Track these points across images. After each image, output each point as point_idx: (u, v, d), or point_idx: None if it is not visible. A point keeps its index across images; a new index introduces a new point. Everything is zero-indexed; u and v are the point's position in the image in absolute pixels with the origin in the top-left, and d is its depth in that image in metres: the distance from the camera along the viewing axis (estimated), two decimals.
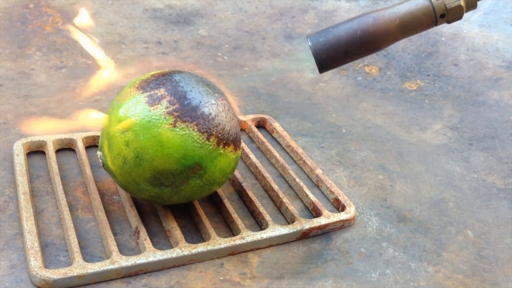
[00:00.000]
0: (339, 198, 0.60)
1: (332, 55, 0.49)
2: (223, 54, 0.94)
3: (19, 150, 0.60)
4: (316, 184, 0.64)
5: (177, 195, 0.51)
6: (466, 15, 0.51)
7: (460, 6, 0.49)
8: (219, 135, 0.50)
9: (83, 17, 0.95)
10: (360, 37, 0.49)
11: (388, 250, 0.56)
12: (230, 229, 0.56)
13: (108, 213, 0.55)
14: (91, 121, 0.70)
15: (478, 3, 0.50)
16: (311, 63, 0.95)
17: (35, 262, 0.47)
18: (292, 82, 0.89)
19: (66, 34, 0.90)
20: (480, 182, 0.69)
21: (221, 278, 0.50)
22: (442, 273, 0.54)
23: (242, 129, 0.73)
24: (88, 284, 0.48)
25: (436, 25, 0.50)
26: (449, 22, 0.50)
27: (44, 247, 0.51)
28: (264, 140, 0.69)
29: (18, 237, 0.51)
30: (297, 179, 0.62)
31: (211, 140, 0.50)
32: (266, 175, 0.62)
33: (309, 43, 0.49)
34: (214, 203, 0.59)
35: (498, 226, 0.61)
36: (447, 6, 0.49)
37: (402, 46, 0.97)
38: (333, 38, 0.49)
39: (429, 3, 0.49)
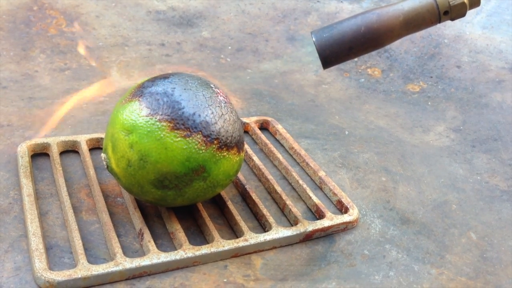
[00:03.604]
0: (342, 200, 0.60)
1: (336, 51, 0.50)
2: (226, 56, 0.94)
3: (23, 152, 0.61)
4: (319, 186, 0.64)
5: (180, 197, 0.52)
6: (469, 17, 0.51)
7: (463, 3, 0.49)
8: (223, 138, 0.51)
9: (87, 19, 0.95)
10: (364, 33, 0.49)
11: (391, 252, 0.56)
12: (234, 231, 0.56)
13: (112, 215, 0.55)
14: (95, 123, 0.70)
15: (481, 2, 0.50)
16: (314, 65, 0.95)
17: (39, 264, 0.47)
18: (295, 84, 0.89)
19: (70, 36, 0.91)
20: (483, 184, 0.69)
21: (225, 280, 0.50)
22: (445, 275, 0.54)
23: (245, 131, 0.73)
24: (93, 286, 0.48)
25: (439, 22, 0.50)
26: (452, 19, 0.50)
27: (48, 249, 0.51)
28: (267, 142, 0.69)
29: (23, 239, 0.51)
30: (300, 181, 0.62)
31: (214, 143, 0.50)
32: (269, 177, 0.62)
33: (314, 39, 0.50)
34: (218, 205, 0.59)
35: (501, 228, 0.61)
36: (451, 3, 0.49)
37: (405, 48, 0.97)
38: (337, 34, 0.50)
39: (433, 0, 0.49)
